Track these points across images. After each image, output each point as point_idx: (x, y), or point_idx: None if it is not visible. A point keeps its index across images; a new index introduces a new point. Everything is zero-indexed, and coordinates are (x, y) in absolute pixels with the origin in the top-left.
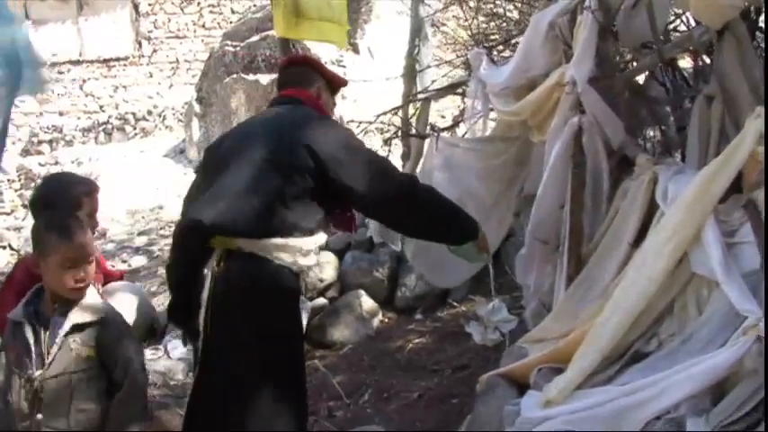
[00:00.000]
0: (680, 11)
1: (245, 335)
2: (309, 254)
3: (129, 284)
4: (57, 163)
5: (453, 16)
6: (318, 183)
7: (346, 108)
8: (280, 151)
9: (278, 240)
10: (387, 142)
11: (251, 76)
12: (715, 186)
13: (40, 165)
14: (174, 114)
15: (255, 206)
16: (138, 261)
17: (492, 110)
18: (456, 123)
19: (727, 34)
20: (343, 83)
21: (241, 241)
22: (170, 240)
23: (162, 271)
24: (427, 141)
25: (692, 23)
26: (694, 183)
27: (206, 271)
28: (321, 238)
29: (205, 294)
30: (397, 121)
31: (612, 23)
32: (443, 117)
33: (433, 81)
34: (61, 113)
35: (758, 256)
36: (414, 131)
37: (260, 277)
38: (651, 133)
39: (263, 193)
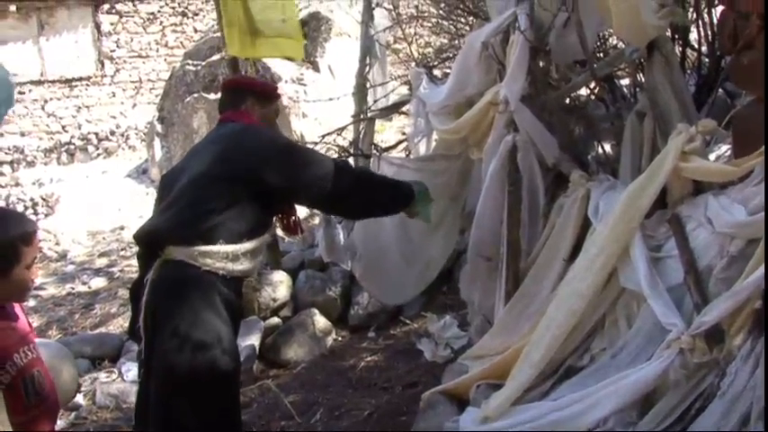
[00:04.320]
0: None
1: (167, 340)
2: (239, 259)
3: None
4: (18, 184)
5: (401, 34)
6: (255, 190)
7: (307, 126)
8: (214, 163)
9: (202, 247)
10: None
11: (212, 96)
12: (641, 202)
13: (0, 186)
14: (137, 134)
15: (185, 216)
16: (98, 283)
17: (433, 129)
18: (400, 142)
19: (656, 52)
20: (273, 90)
21: (172, 249)
22: (131, 261)
23: (122, 292)
24: (372, 161)
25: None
26: (622, 199)
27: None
28: (253, 243)
29: (143, 301)
30: (348, 139)
31: (545, 42)
32: (404, 134)
33: (375, 101)
34: (23, 134)
35: (681, 271)
36: (359, 151)
37: (184, 282)
38: (599, 150)
39: (194, 204)
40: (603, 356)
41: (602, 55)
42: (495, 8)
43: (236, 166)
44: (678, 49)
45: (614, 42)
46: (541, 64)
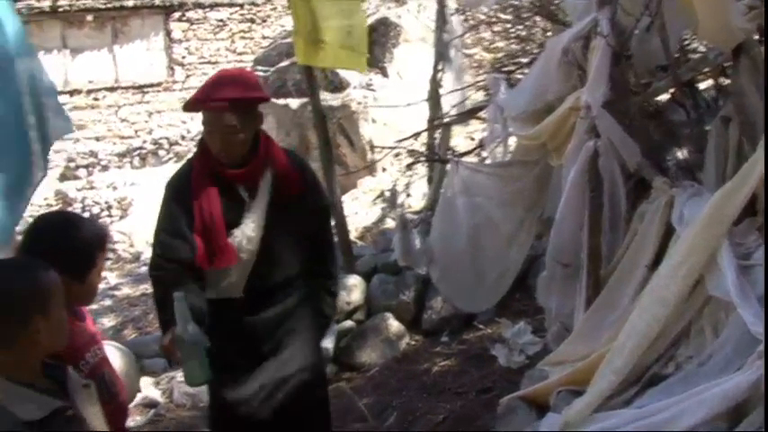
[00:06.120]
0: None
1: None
2: None
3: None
4: (93, 187)
5: (477, 40)
6: None
7: (376, 131)
8: None
9: None
10: (409, 167)
11: (281, 101)
12: (729, 209)
13: (77, 189)
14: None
15: None
16: None
17: (511, 134)
18: (477, 148)
19: (743, 56)
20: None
21: None
22: None
23: None
24: (449, 166)
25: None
26: (709, 205)
27: None
28: None
29: None
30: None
31: (627, 47)
32: (473, 139)
33: (453, 106)
34: (97, 139)
35: None
36: (436, 156)
37: None
38: (678, 155)
39: None
40: (690, 365)
41: (683, 59)
42: (575, 13)
43: None
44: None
45: (694, 46)
46: (623, 69)
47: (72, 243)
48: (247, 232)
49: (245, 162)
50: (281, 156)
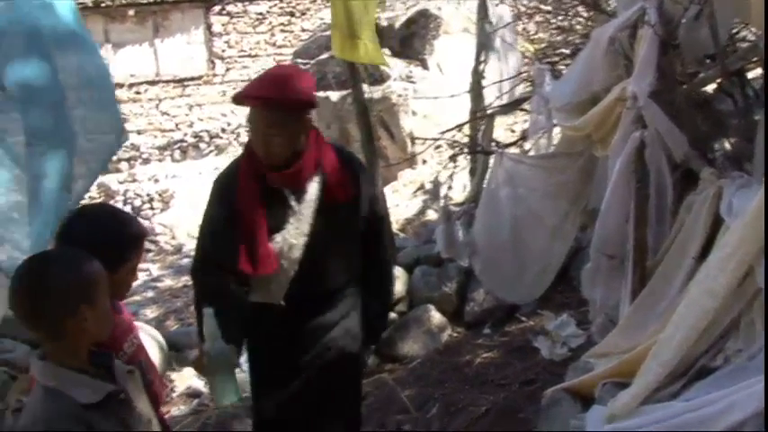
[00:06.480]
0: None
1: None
2: None
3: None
4: (134, 180)
5: (523, 29)
6: None
7: (417, 123)
8: None
9: None
10: (452, 159)
11: (321, 93)
12: None
13: (118, 182)
14: (247, 132)
15: None
16: None
17: (555, 125)
18: (521, 139)
19: None
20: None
21: None
22: None
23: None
24: (493, 157)
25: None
26: (759, 196)
27: None
28: None
29: None
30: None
31: (674, 36)
32: (513, 131)
33: (497, 97)
34: (139, 132)
35: None
36: (479, 148)
37: None
38: (726, 145)
39: None
40: (739, 358)
41: (731, 48)
42: (621, 3)
43: None
44: None
45: (743, 35)
46: (671, 59)
47: (104, 236)
48: (290, 239)
49: (291, 165)
50: (332, 160)
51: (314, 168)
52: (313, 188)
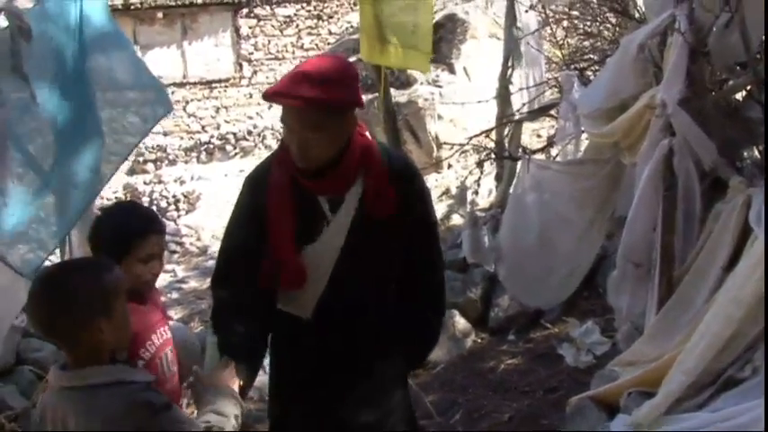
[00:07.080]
0: None
1: None
2: None
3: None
4: (160, 182)
5: (550, 35)
6: None
7: (443, 128)
8: None
9: None
10: (479, 164)
11: None
12: None
13: (144, 183)
14: (273, 134)
15: None
16: None
17: (583, 132)
18: (548, 145)
19: None
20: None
21: None
22: None
23: None
24: (519, 163)
25: None
26: None
27: None
28: None
29: None
30: (492, 142)
31: (704, 44)
32: (539, 137)
33: (524, 104)
34: (165, 134)
35: None
36: (506, 153)
37: None
38: (756, 154)
39: None
40: None
41: (762, 56)
42: (651, 9)
43: None
44: None
45: None
46: (701, 66)
47: (109, 227)
48: (320, 252)
49: (328, 170)
50: (377, 166)
51: (354, 177)
52: (352, 197)
